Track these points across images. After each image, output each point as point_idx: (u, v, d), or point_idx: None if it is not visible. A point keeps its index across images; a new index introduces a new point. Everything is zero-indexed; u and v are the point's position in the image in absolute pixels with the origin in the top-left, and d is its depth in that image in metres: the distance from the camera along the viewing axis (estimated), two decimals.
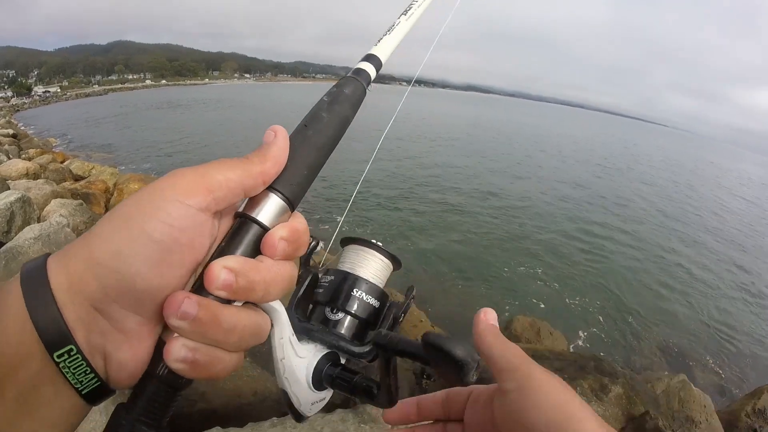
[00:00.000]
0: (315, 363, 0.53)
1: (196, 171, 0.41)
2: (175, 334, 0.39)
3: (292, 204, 0.46)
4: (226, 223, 0.45)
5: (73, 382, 0.37)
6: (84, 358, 0.36)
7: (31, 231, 6.37)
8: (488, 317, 0.57)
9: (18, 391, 0.35)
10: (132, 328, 0.38)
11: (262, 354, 3.86)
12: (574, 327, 9.10)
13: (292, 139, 0.50)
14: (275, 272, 0.43)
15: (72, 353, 0.36)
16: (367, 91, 0.61)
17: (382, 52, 0.67)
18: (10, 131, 23.96)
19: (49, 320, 0.35)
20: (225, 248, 0.43)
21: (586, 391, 4.40)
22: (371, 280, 0.60)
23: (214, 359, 0.41)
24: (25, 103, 75.08)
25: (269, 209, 0.45)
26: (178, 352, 0.39)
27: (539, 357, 5.22)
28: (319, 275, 0.62)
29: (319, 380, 0.53)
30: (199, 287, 0.40)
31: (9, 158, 14.17)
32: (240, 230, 0.44)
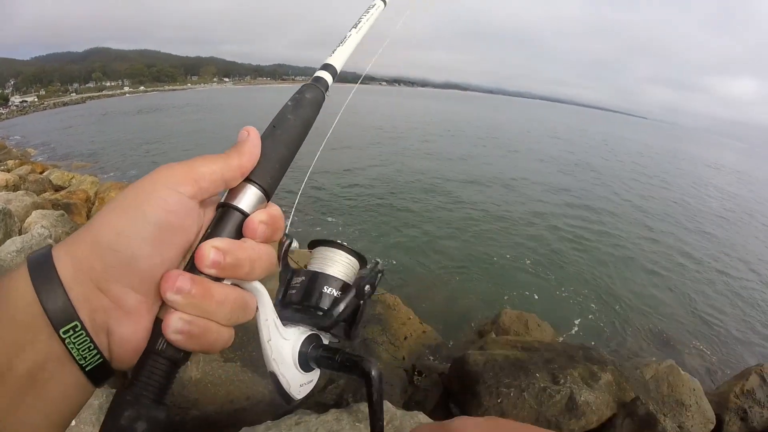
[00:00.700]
0: (299, 344, 0.58)
1: (184, 164, 0.47)
2: (171, 309, 0.43)
3: (267, 194, 0.52)
4: (210, 214, 0.50)
5: (77, 357, 0.40)
6: (88, 335, 0.40)
7: (13, 244, 6.28)
8: None
9: (26, 369, 0.38)
10: (132, 305, 0.42)
11: (252, 359, 3.85)
12: (563, 318, 9.15)
13: (264, 138, 0.55)
14: (258, 252, 0.48)
15: (77, 329, 0.39)
16: (326, 95, 0.67)
17: (336, 61, 0.74)
18: None
19: (55, 300, 0.39)
20: (212, 232, 0.48)
21: (577, 380, 4.45)
22: (340, 276, 0.64)
23: (207, 331, 0.45)
24: (2, 113, 73.98)
25: (248, 198, 0.50)
26: (175, 324, 0.43)
27: (529, 349, 5.27)
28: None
29: (305, 361, 0.58)
30: (191, 267, 0.45)
31: None
32: (224, 217, 0.49)
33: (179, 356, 0.45)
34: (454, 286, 10.15)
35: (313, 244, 0.69)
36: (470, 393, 4.58)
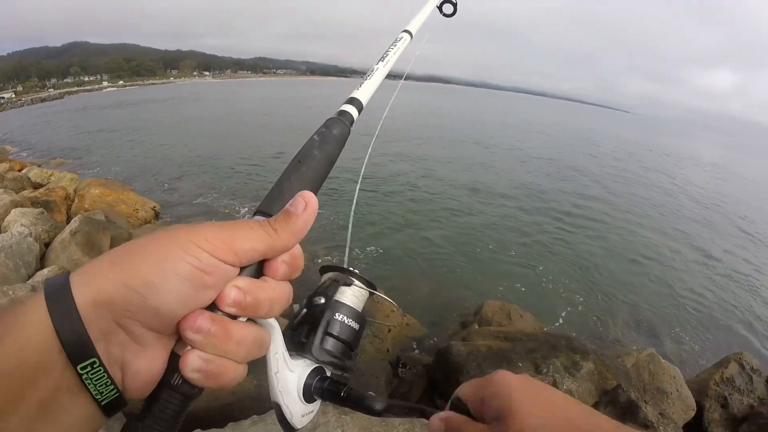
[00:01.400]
0: (305, 377, 0.58)
1: (225, 231, 0.46)
2: (189, 347, 0.44)
3: None
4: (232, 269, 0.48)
5: (94, 393, 0.40)
6: (106, 371, 0.40)
7: None
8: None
9: (39, 399, 0.38)
10: (149, 341, 0.43)
11: None
12: (546, 308, 9.25)
13: (287, 173, 0.58)
14: (278, 291, 0.49)
15: (95, 366, 0.39)
16: (351, 130, 0.68)
17: (363, 95, 0.76)
18: None
19: (73, 333, 0.38)
20: None
21: (559, 369, 4.52)
22: (351, 304, 0.64)
23: (224, 369, 0.45)
24: None
25: None
26: (194, 362, 0.43)
27: (512, 339, 5.34)
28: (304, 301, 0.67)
29: (309, 393, 0.58)
30: (210, 305, 0.45)
31: None
32: None
33: (193, 392, 0.46)
34: (437, 277, 10.19)
35: (324, 270, 0.69)
36: (454, 383, 4.58)
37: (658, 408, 5.12)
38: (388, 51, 0.94)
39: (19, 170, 14.94)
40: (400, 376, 5.46)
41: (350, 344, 0.63)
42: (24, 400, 0.37)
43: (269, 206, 0.56)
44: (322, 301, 0.64)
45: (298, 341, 0.61)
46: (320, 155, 0.61)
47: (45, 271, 5.99)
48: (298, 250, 0.52)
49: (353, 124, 0.71)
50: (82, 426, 0.42)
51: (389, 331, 6.56)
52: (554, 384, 4.33)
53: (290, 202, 0.51)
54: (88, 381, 0.39)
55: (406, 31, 1.09)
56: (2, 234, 6.64)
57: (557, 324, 8.81)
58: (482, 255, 11.93)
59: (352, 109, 0.72)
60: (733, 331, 9.85)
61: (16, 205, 8.67)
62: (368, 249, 11.26)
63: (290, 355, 0.57)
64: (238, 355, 0.46)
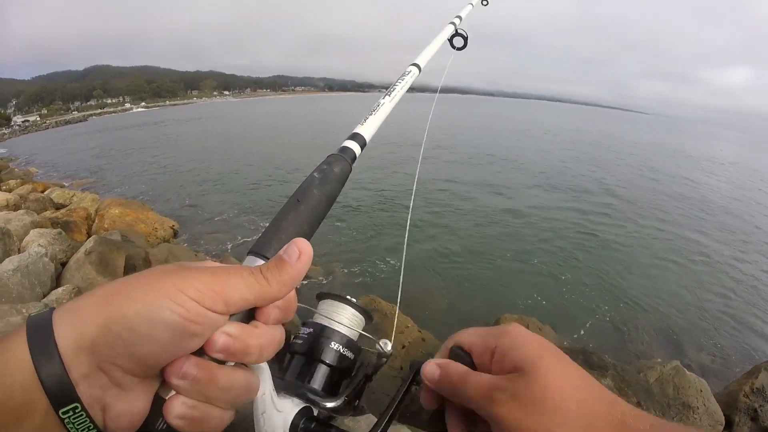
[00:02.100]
0: (292, 417, 0.55)
1: (215, 280, 0.44)
2: (173, 392, 0.43)
3: None
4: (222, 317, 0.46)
5: None
6: (88, 415, 0.39)
7: (9, 263, 6.35)
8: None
9: None
10: (131, 385, 0.42)
11: None
12: (565, 320, 9.07)
13: (284, 211, 0.57)
14: (269, 336, 0.47)
15: (77, 411, 0.38)
16: (352, 168, 0.67)
17: (367, 131, 0.74)
18: None
19: (54, 376, 0.37)
20: None
21: None
22: (346, 333, 0.63)
23: (209, 416, 0.44)
24: (5, 133, 74.51)
25: None
26: (178, 409, 0.42)
27: None
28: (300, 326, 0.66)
29: None
30: (198, 349, 0.43)
31: None
32: None
33: None
34: (455, 290, 10.09)
35: (320, 297, 0.68)
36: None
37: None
38: (395, 85, 0.92)
39: (42, 191, 15.32)
40: (413, 393, 5.36)
41: (344, 373, 0.62)
42: None
43: (264, 247, 0.55)
44: (315, 329, 0.63)
45: (286, 378, 0.60)
46: (319, 195, 0.60)
47: (59, 290, 6.07)
48: (292, 293, 0.50)
49: (355, 161, 0.69)
50: None
51: (403, 347, 6.47)
52: None
53: (284, 248, 0.49)
54: (70, 425, 0.38)
55: (414, 64, 1.08)
56: (20, 254, 6.77)
57: (577, 336, 8.63)
58: (502, 265, 11.80)
59: (354, 146, 0.70)
60: (763, 338, 9.52)
61: (36, 225, 8.87)
62: (387, 260, 11.26)
63: (278, 394, 0.55)
64: (224, 401, 0.45)
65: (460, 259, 11.93)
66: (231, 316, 0.45)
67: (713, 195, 25.02)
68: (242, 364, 0.47)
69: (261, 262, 0.52)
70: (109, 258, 6.69)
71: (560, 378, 0.50)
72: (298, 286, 0.50)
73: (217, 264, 0.49)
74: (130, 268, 7.45)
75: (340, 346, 0.62)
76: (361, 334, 0.66)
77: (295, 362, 0.61)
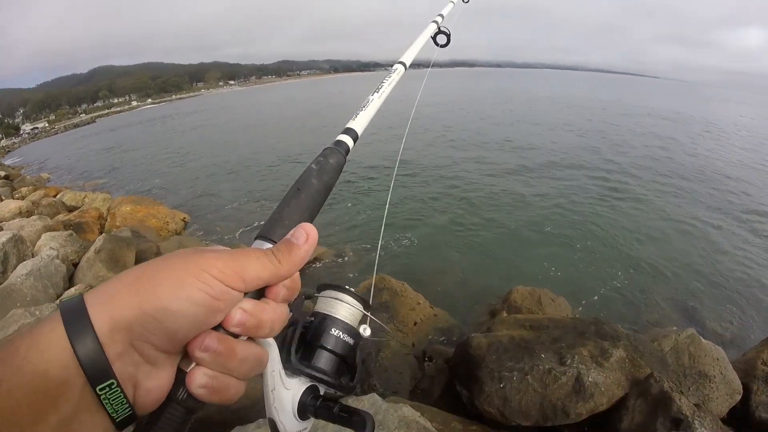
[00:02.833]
0: (300, 394, 0.60)
1: (235, 261, 0.49)
2: (194, 365, 0.48)
3: None
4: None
5: (110, 411, 0.43)
6: (122, 391, 0.43)
7: (23, 267, 6.49)
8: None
9: (59, 419, 0.40)
10: (159, 361, 0.46)
11: None
12: (577, 290, 8.97)
13: (287, 199, 0.65)
14: (279, 313, 0.53)
15: (113, 387, 0.42)
16: (346, 159, 0.74)
17: (358, 125, 0.82)
18: (2, 173, 23.98)
19: (92, 356, 0.41)
20: None
21: (585, 359, 4.30)
22: (346, 320, 0.67)
23: (227, 385, 0.49)
24: (15, 142, 75.52)
25: None
26: (200, 379, 0.47)
27: (537, 327, 5.16)
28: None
29: (303, 410, 0.60)
30: (216, 325, 0.48)
31: (1, 200, 14.28)
32: None
33: (197, 406, 0.48)
34: (467, 264, 10.06)
35: (321, 288, 0.71)
36: (473, 378, 4.49)
37: (698, 396, 4.87)
38: (383, 82, 0.98)
39: (54, 196, 15.52)
40: (424, 370, 5.35)
41: (345, 358, 0.65)
42: (46, 419, 0.39)
43: (270, 231, 0.61)
44: (317, 318, 0.66)
45: (296, 358, 0.62)
46: (318, 184, 0.67)
47: (72, 290, 6.18)
48: (296, 275, 0.56)
49: (349, 153, 0.75)
50: None
51: (415, 324, 6.47)
52: (578, 376, 4.13)
53: (292, 232, 0.56)
54: (106, 401, 0.42)
55: (400, 62, 1.14)
56: (33, 258, 6.88)
57: (592, 306, 8.55)
58: (513, 237, 11.74)
59: (347, 139, 0.77)
60: None
61: (48, 229, 9.01)
62: (398, 238, 11.29)
63: (286, 374, 0.59)
64: (240, 373, 0.50)
65: (470, 233, 11.89)
66: (245, 294, 0.50)
67: (726, 160, 24.59)
68: (252, 340, 0.53)
69: (268, 245, 0.57)
70: (118, 255, 6.78)
71: None
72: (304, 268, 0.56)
73: (228, 248, 0.53)
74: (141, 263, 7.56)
75: (341, 333, 0.65)
76: (362, 317, 0.70)
77: (301, 348, 0.64)
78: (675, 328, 7.21)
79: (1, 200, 14.32)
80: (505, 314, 6.71)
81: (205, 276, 0.46)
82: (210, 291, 0.46)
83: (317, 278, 9.37)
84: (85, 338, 0.41)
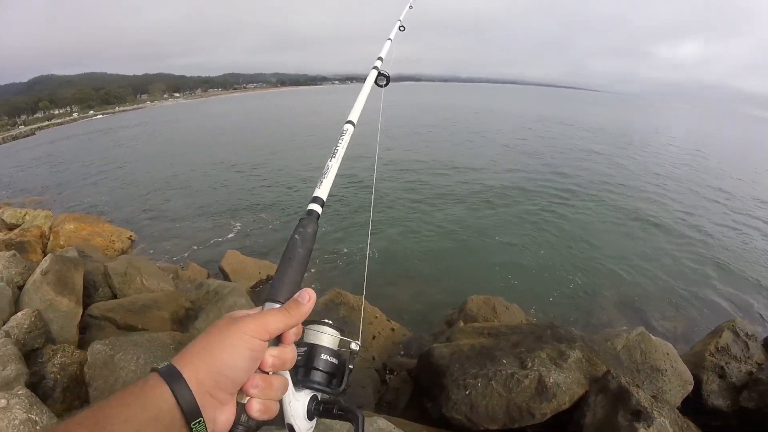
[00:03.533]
0: (307, 402, 0.80)
1: (261, 320, 0.71)
2: (247, 398, 0.69)
3: None
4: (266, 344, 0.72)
5: None
6: (205, 425, 0.63)
7: None
8: None
9: None
10: (226, 400, 0.67)
11: None
12: (531, 297, 9.26)
13: (283, 267, 0.82)
14: (292, 352, 0.76)
15: (201, 423, 0.63)
16: (318, 225, 0.91)
17: (323, 192, 0.98)
18: None
19: (188, 402, 0.61)
20: None
21: (545, 362, 4.44)
22: (329, 345, 0.87)
23: (271, 407, 0.72)
24: None
25: None
26: (256, 406, 0.69)
27: (495, 334, 5.27)
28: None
29: (311, 413, 0.80)
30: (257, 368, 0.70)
31: None
32: None
33: (253, 425, 0.70)
34: (421, 277, 10.21)
35: (306, 323, 0.87)
36: (438, 387, 4.56)
37: (654, 387, 5.07)
38: (337, 146, 1.11)
39: None
40: (387, 383, 5.35)
41: (333, 374, 0.85)
42: None
43: (276, 294, 0.78)
44: (309, 348, 0.85)
45: (299, 378, 0.82)
46: (302, 251, 0.84)
47: (19, 315, 5.74)
48: (300, 325, 0.77)
49: (319, 219, 0.92)
50: None
51: (374, 338, 6.47)
52: (540, 378, 4.27)
53: (298, 294, 0.78)
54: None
55: (349, 122, 1.25)
56: None
57: (544, 311, 8.80)
58: (464, 248, 11.97)
59: (317, 207, 0.94)
60: (719, 301, 9.90)
61: None
62: (353, 251, 11.26)
63: (295, 389, 0.79)
64: (276, 396, 0.73)
65: (422, 247, 12.05)
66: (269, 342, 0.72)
67: (663, 164, 25.86)
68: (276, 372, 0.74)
69: (276, 305, 0.75)
70: (66, 276, 6.42)
71: None
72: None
73: (252, 310, 0.74)
74: (90, 285, 7.20)
75: (328, 356, 0.85)
76: (340, 341, 0.89)
77: (301, 369, 0.83)
78: (625, 327, 7.49)
79: None
80: (462, 323, 6.81)
81: (246, 338, 0.67)
82: (252, 346, 0.68)
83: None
84: (183, 392, 0.61)
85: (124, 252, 11.46)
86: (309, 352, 0.85)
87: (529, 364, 4.38)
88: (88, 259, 8.62)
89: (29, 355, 4.64)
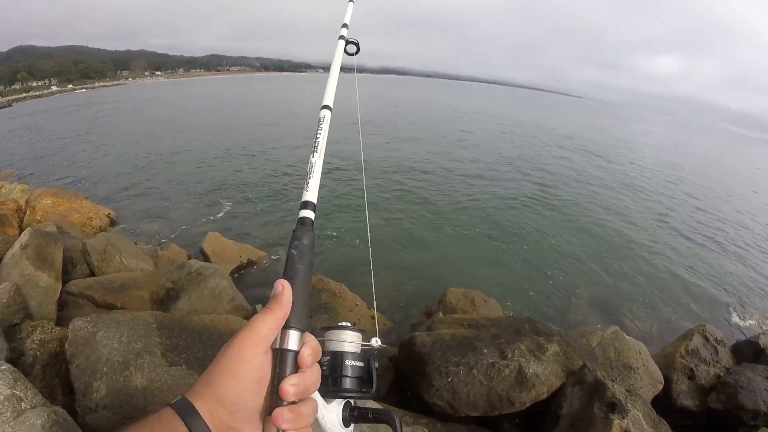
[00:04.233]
0: (341, 411, 0.79)
1: (251, 330, 0.69)
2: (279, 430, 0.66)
3: (303, 330, 0.73)
4: (270, 356, 0.70)
5: None
6: None
7: None
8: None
9: None
10: (243, 429, 0.67)
11: (198, 360, 3.76)
12: (508, 292, 9.41)
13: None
14: (313, 375, 0.72)
15: None
16: (313, 231, 0.85)
17: (312, 194, 0.91)
18: None
19: None
20: (281, 372, 0.69)
21: (524, 353, 4.56)
22: (353, 350, 0.83)
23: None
24: None
25: (293, 340, 0.71)
26: None
27: (476, 325, 5.36)
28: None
29: (346, 421, 0.79)
30: (277, 398, 0.67)
31: None
32: (284, 358, 0.70)
33: None
34: (400, 267, 10.26)
35: (324, 330, 0.87)
36: (419, 375, 4.65)
37: (626, 384, 5.24)
38: (317, 138, 1.04)
39: None
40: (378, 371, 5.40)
41: (361, 378, 0.82)
42: None
43: (288, 321, 0.73)
44: (333, 356, 0.82)
45: (329, 388, 0.80)
46: (303, 267, 0.79)
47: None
48: (314, 341, 0.74)
49: (313, 225, 0.86)
50: None
51: (354, 324, 6.52)
52: (519, 369, 4.39)
53: (273, 287, 0.74)
54: None
55: (325, 107, 1.16)
56: None
57: (521, 306, 8.95)
58: (445, 241, 12.04)
59: (309, 213, 0.87)
60: (691, 305, 10.19)
61: None
62: (333, 236, 11.30)
63: (326, 400, 0.78)
64: (308, 423, 0.69)
65: (405, 237, 12.10)
66: (286, 369, 0.69)
67: (639, 171, 26.33)
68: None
69: (295, 331, 0.72)
70: (46, 252, 6.31)
71: None
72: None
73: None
74: (68, 262, 7.09)
75: (353, 361, 0.82)
76: (362, 345, 0.85)
77: (330, 379, 0.81)
78: (599, 326, 7.67)
79: None
80: (441, 315, 6.91)
81: (246, 355, 0.67)
82: (253, 366, 0.67)
83: (260, 279, 9.41)
84: (197, 425, 0.63)
85: (102, 230, 11.26)
86: (333, 361, 0.82)
87: (509, 355, 4.50)
88: (65, 236, 8.50)
89: (7, 331, 4.54)
